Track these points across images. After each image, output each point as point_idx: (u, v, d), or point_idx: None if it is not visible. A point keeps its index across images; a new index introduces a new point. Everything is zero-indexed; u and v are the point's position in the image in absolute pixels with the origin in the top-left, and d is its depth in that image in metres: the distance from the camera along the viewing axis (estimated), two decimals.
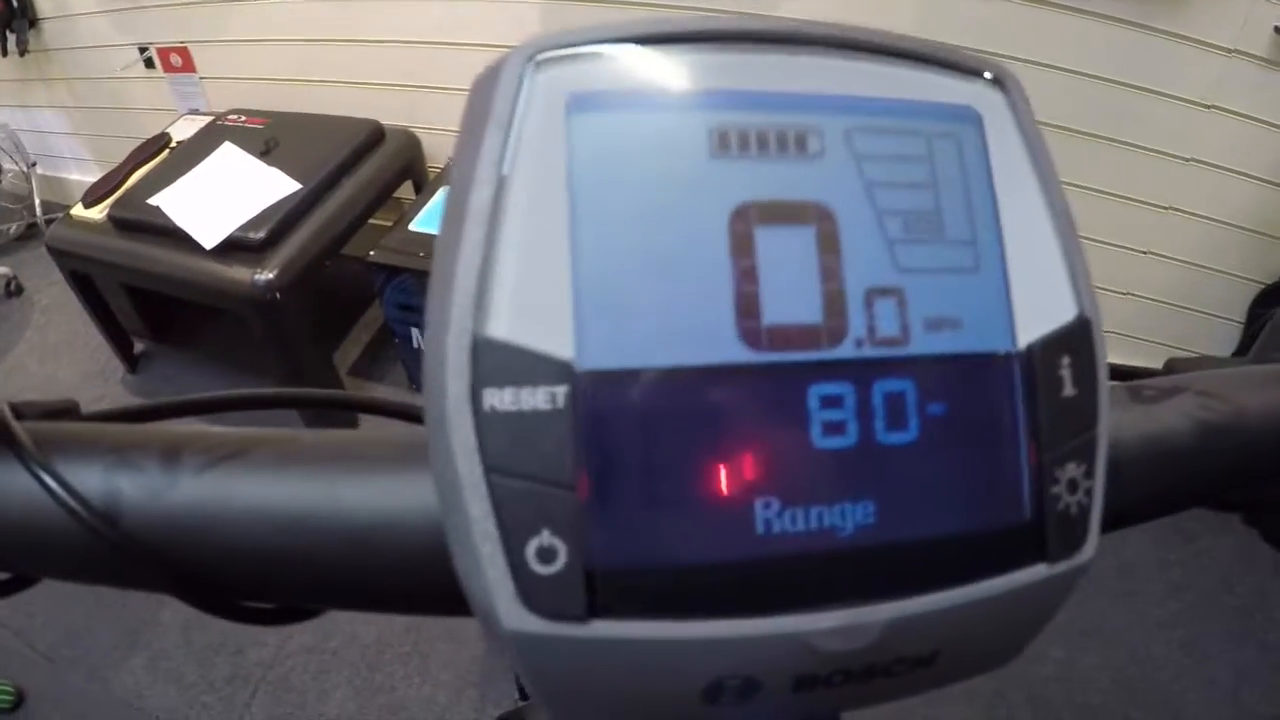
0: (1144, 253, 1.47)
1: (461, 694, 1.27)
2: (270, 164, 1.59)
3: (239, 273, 1.45)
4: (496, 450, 0.14)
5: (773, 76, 0.16)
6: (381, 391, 1.79)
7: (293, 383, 1.53)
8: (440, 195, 1.64)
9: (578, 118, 0.15)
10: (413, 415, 0.28)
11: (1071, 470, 0.17)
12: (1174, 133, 1.31)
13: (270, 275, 1.44)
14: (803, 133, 0.16)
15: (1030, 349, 0.17)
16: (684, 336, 0.15)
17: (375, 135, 1.71)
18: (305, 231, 1.51)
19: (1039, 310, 0.17)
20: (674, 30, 0.16)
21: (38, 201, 2.35)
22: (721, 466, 0.15)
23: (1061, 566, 0.17)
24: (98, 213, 1.60)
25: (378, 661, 1.32)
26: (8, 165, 2.31)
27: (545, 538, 0.14)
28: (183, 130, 1.81)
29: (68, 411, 0.22)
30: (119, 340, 1.86)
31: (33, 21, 2.05)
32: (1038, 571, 0.17)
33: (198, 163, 1.61)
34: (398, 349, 1.69)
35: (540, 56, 0.16)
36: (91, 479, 0.19)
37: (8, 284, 2.20)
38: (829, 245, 0.16)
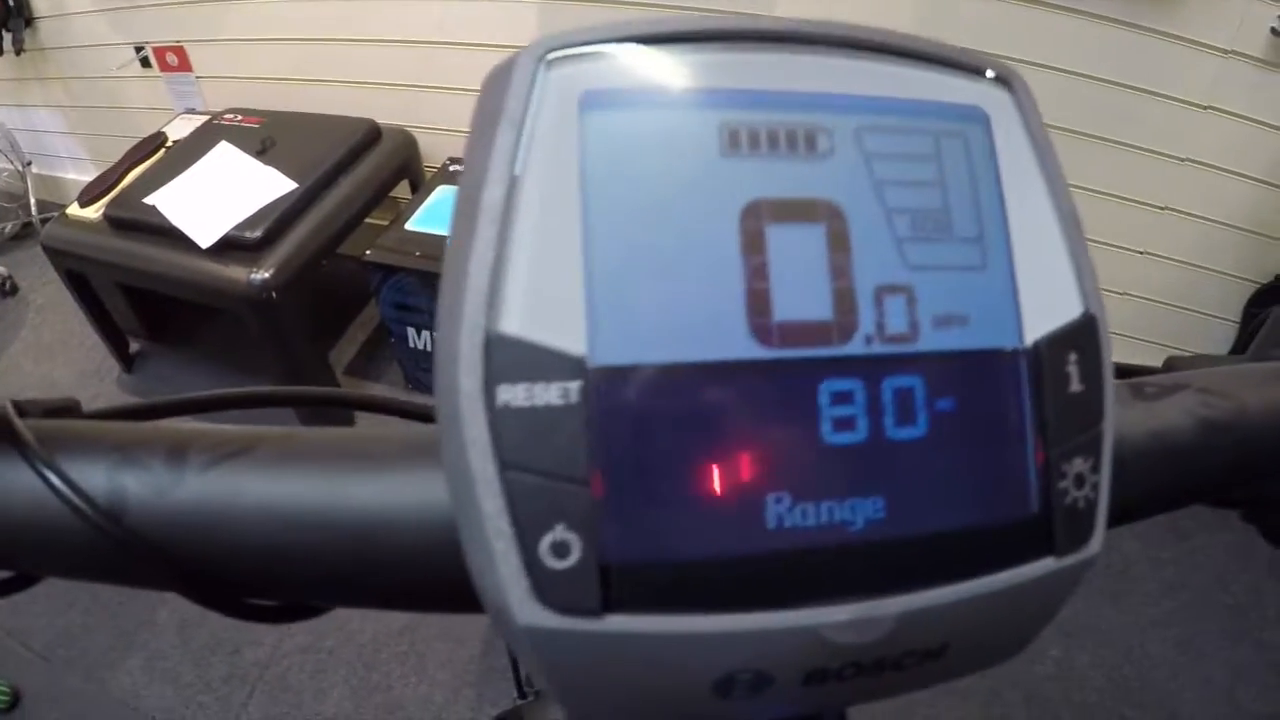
0: (1140, 253, 1.48)
1: (458, 693, 1.27)
2: (266, 163, 1.59)
3: (235, 272, 1.44)
4: (510, 446, 0.14)
5: (783, 76, 0.17)
6: (378, 390, 1.78)
7: (289, 382, 1.52)
8: (437, 194, 1.64)
9: (590, 115, 0.16)
10: (410, 413, 0.28)
11: (1078, 465, 0.17)
12: (1170, 133, 1.32)
13: (266, 274, 1.43)
14: (812, 131, 0.16)
15: (1037, 345, 0.17)
16: (696, 333, 0.15)
17: (372, 134, 1.71)
18: (301, 231, 1.51)
19: (1046, 307, 0.17)
20: (686, 29, 0.16)
21: (33, 201, 2.34)
22: (733, 462, 0.15)
23: (1069, 560, 0.17)
24: (93, 212, 1.59)
25: (374, 661, 1.32)
26: (3, 164, 2.30)
27: (559, 533, 0.14)
28: (179, 129, 1.81)
29: (69, 410, 0.22)
30: (114, 339, 1.85)
31: (29, 20, 2.04)
32: (1046, 565, 0.17)
33: (194, 162, 1.61)
34: (394, 348, 1.69)
35: (552, 55, 0.16)
36: (96, 476, 0.18)
37: (2, 283, 2.18)
38: (839, 243, 0.16)
